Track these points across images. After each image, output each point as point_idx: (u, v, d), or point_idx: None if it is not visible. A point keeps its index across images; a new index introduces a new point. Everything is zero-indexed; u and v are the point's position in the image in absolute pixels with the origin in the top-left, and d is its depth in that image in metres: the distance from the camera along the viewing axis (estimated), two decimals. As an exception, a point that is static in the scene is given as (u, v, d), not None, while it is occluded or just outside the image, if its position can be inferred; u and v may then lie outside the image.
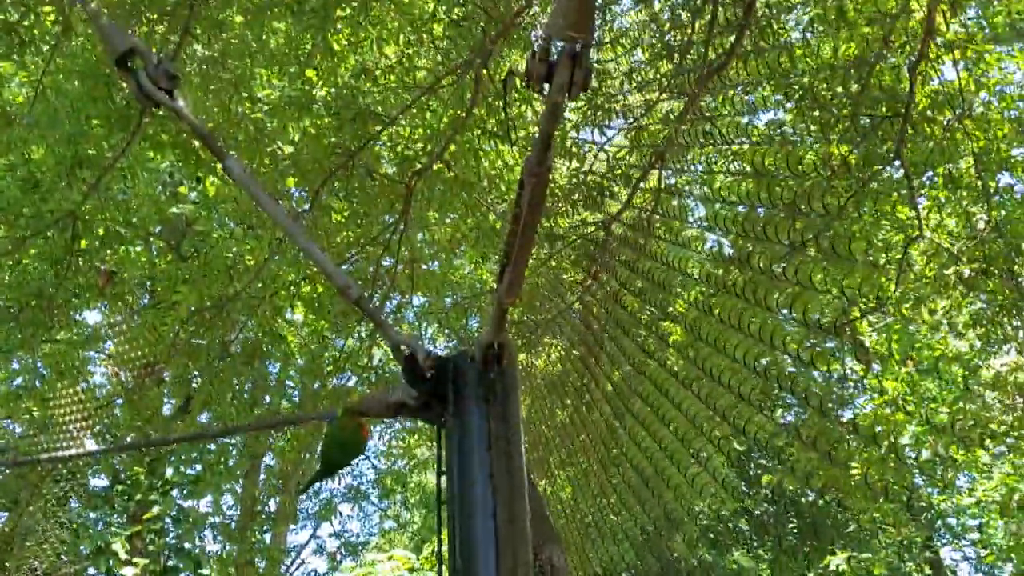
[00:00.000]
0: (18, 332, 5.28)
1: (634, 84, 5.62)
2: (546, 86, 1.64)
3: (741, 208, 5.55)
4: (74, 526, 10.60)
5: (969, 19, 5.72)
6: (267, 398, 9.49)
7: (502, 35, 5.01)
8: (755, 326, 5.48)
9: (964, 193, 6.16)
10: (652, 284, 6.10)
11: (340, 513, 20.93)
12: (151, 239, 9.50)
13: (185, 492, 11.97)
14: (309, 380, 7.14)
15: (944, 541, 17.18)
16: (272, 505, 16.64)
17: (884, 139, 5.06)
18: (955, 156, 5.63)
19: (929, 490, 14.30)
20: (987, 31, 5.95)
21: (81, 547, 11.31)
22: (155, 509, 11.20)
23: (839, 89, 5.22)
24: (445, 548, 2.92)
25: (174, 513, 11.78)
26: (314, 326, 6.66)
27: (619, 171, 5.73)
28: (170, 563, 11.74)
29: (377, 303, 6.04)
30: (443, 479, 3.02)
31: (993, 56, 6.13)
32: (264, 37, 5.80)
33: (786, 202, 5.14)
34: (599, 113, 5.41)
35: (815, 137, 5.44)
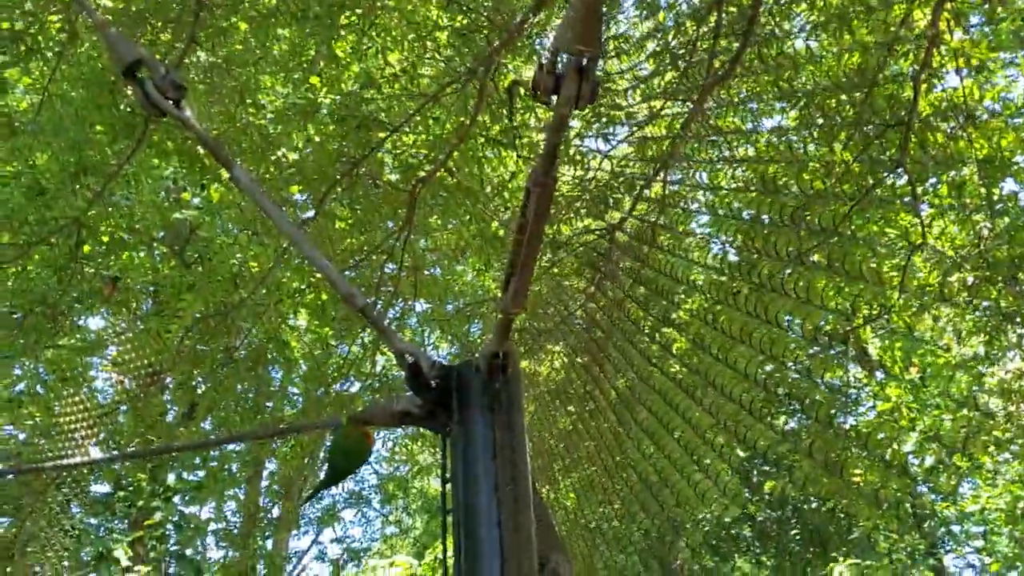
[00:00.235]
0: (21, 338, 5.29)
1: (639, 93, 5.63)
2: (553, 98, 1.65)
3: (745, 216, 5.56)
4: (76, 532, 10.60)
5: (973, 27, 5.73)
6: (270, 404, 9.49)
7: (506, 44, 5.02)
8: (759, 336, 5.48)
9: (968, 201, 6.16)
10: (655, 293, 6.10)
11: (342, 519, 20.95)
12: (154, 245, 9.53)
13: (187, 498, 11.97)
14: (313, 386, 7.15)
15: (948, 548, 17.14)
16: (275, 511, 16.65)
17: (887, 146, 5.07)
18: (958, 164, 5.63)
19: (932, 497, 14.27)
20: (991, 39, 5.95)
21: (83, 553, 11.31)
22: (157, 515, 11.19)
23: (843, 97, 5.23)
24: (450, 556, 2.92)
25: (176, 519, 11.77)
26: (318, 333, 6.67)
27: (623, 179, 5.74)
28: (171, 570, 11.74)
29: (380, 310, 6.05)
30: (447, 487, 3.02)
31: (997, 64, 6.14)
32: (268, 44, 5.82)
33: (790, 210, 5.14)
34: (603, 120, 5.42)
35: (818, 144, 5.45)
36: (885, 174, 5.27)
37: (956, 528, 16.64)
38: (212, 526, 13.85)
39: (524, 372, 7.29)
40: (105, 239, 5.74)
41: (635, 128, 5.67)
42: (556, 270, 6.39)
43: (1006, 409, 8.90)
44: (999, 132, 5.90)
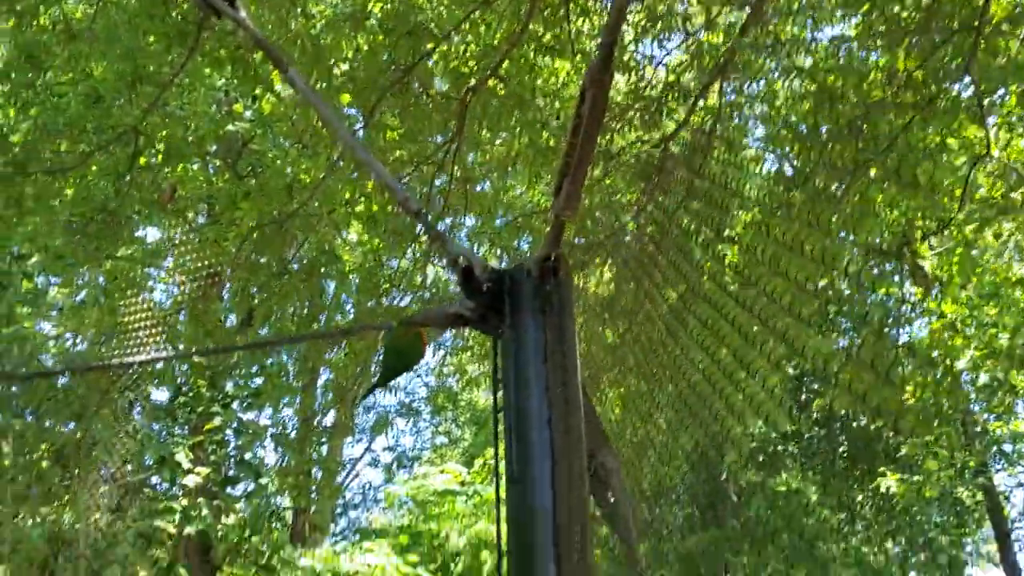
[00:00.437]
0: (84, 244, 5.42)
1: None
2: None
3: (802, 128, 5.44)
4: (139, 437, 11.00)
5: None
6: (323, 316, 9.68)
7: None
8: (812, 248, 5.40)
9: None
10: (709, 205, 6.03)
11: (394, 425, 21.46)
12: (208, 158, 9.62)
13: (245, 405, 12.32)
14: (364, 298, 7.25)
15: (999, 468, 17.09)
16: (329, 419, 17.15)
17: (954, 53, 4.88)
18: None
19: (985, 416, 14.17)
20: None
21: (145, 458, 11.78)
22: (216, 421, 11.57)
23: (908, 1, 5.03)
24: (501, 459, 2.98)
25: (235, 426, 12.16)
26: (369, 244, 6.73)
27: (677, 88, 5.62)
28: (231, 473, 12.17)
29: (431, 222, 6.07)
30: (499, 390, 3.07)
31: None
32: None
33: (848, 120, 5.01)
34: (658, 26, 5.29)
35: (880, 52, 5.27)
36: (950, 83, 5.09)
37: (1008, 447, 16.55)
38: (269, 432, 14.31)
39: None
40: (161, 148, 5.81)
41: (691, 35, 5.52)
42: (608, 181, 6.33)
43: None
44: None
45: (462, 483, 16.41)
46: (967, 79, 5.00)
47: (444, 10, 5.89)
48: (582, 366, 3.19)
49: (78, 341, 10.40)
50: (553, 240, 2.90)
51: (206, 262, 5.26)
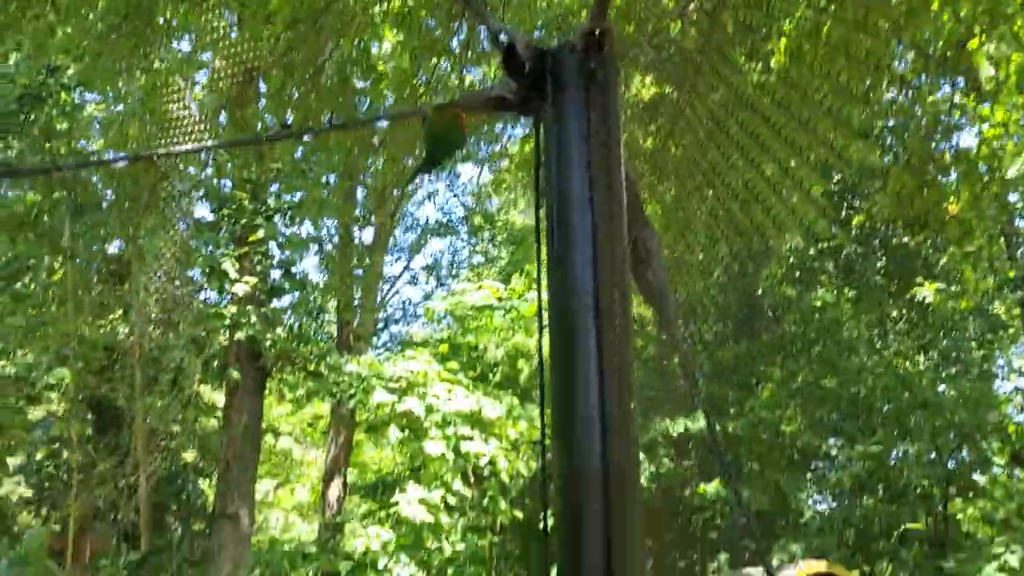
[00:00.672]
0: (120, 45, 5.36)
1: None
2: None
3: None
4: (184, 250, 11.25)
5: None
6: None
7: None
8: (863, 51, 5.21)
9: None
10: (753, 7, 5.78)
11: (432, 236, 21.71)
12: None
13: (288, 218, 12.51)
14: (401, 104, 7.16)
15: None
16: (368, 236, 17.39)
17: None
18: None
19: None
20: None
21: (193, 270, 12.13)
22: (260, 232, 11.81)
23: None
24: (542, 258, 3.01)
25: (281, 241, 12.41)
26: (406, 45, 6.57)
27: None
28: (276, 283, 12.54)
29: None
30: (541, 181, 3.07)
31: None
32: None
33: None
34: None
35: None
36: None
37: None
38: (311, 245, 14.58)
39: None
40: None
41: None
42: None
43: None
44: None
45: (499, 299, 16.78)
46: None
47: None
48: (625, 151, 3.17)
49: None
50: (598, 13, 2.80)
51: (242, 60, 5.19)
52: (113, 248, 12.19)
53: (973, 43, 6.32)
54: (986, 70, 7.50)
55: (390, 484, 16.44)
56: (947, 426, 13.88)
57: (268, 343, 12.11)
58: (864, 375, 15.00)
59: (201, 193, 11.39)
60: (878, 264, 16.15)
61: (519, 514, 14.16)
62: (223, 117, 5.67)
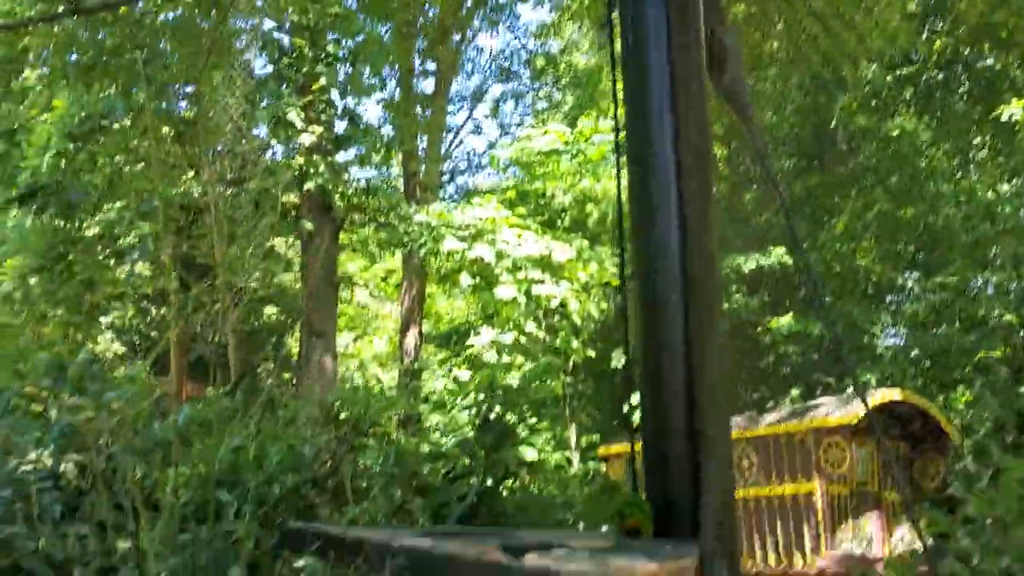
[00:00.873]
0: None
1: None
2: None
3: None
4: (248, 100, 11.24)
5: None
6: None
7: None
8: None
9: None
10: None
11: (494, 82, 21.38)
12: None
13: (349, 64, 12.36)
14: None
15: None
16: (429, 86, 17.17)
17: None
18: None
19: None
20: None
21: (258, 125, 12.17)
22: (322, 80, 11.74)
23: None
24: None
25: (342, 86, 12.30)
26: None
27: None
28: (341, 133, 12.54)
29: None
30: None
31: None
32: None
33: None
34: None
35: None
36: None
37: None
38: (375, 94, 14.47)
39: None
40: None
41: None
42: None
43: None
44: None
45: (566, 143, 16.56)
46: None
47: None
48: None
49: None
50: None
51: None
52: (180, 109, 12.29)
53: None
54: None
55: (463, 332, 16.84)
56: (1031, 254, 13.51)
57: (338, 195, 12.23)
58: (943, 204, 14.55)
59: (260, 44, 11.30)
60: (960, 89, 15.37)
61: (592, 353, 14.43)
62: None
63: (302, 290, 13.32)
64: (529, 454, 11.03)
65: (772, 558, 12.68)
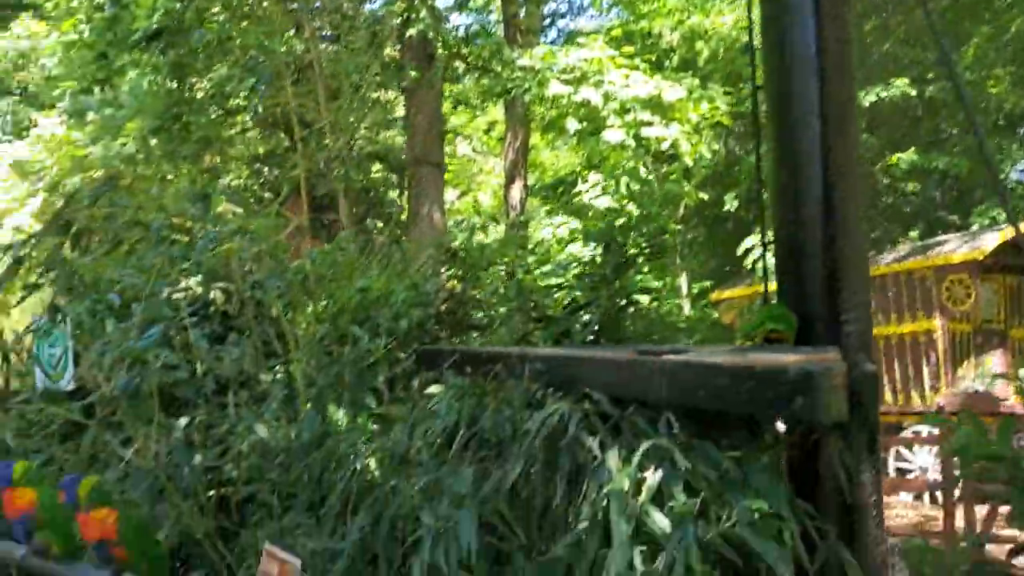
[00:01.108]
0: None
1: None
2: None
3: None
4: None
5: None
6: None
7: None
8: None
9: None
10: None
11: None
12: None
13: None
14: None
15: None
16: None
17: None
18: None
19: None
20: None
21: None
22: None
23: None
24: None
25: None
26: None
27: None
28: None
29: None
30: None
31: None
32: None
33: None
34: None
35: None
36: None
37: None
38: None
39: None
40: None
41: None
42: None
43: None
44: None
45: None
46: None
47: None
48: None
49: None
50: None
51: None
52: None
53: None
54: None
55: (570, 183, 16.73)
56: None
57: (439, 43, 12.05)
58: None
59: None
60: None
61: (704, 196, 14.18)
62: None
63: (408, 142, 13.35)
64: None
65: (889, 397, 12.63)
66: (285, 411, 3.68)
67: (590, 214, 13.26)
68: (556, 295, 5.48)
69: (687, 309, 14.45)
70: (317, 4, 12.45)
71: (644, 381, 2.29)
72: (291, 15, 12.60)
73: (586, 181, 13.53)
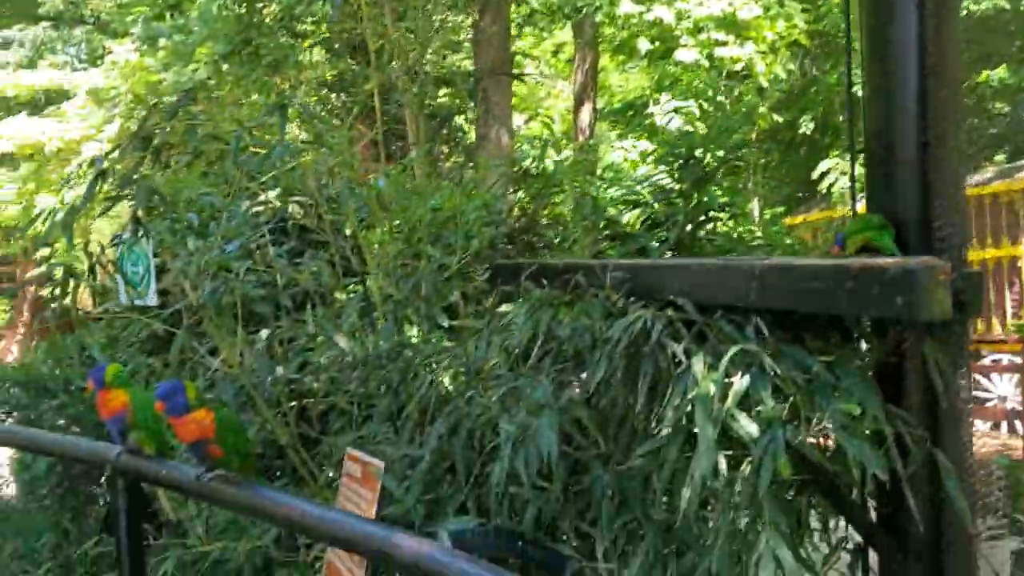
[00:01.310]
0: None
1: None
2: None
3: None
4: None
5: None
6: None
7: None
8: None
9: None
10: None
11: None
12: None
13: None
14: None
15: None
16: None
17: None
18: None
19: None
20: None
21: None
22: None
23: None
24: None
25: None
26: None
27: None
28: None
29: None
30: None
31: None
32: None
33: None
34: None
35: None
36: None
37: None
38: None
39: None
40: None
41: None
42: None
43: None
44: None
45: None
46: None
47: None
48: None
49: None
50: None
51: None
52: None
53: None
54: None
55: (640, 105, 16.38)
56: None
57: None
58: None
59: None
60: None
61: (778, 119, 13.77)
62: None
63: (476, 63, 13.17)
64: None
65: (968, 324, 12.28)
66: (362, 325, 3.72)
67: (662, 136, 12.98)
68: (630, 214, 5.39)
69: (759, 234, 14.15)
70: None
71: (733, 286, 2.23)
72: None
73: (657, 103, 13.22)
